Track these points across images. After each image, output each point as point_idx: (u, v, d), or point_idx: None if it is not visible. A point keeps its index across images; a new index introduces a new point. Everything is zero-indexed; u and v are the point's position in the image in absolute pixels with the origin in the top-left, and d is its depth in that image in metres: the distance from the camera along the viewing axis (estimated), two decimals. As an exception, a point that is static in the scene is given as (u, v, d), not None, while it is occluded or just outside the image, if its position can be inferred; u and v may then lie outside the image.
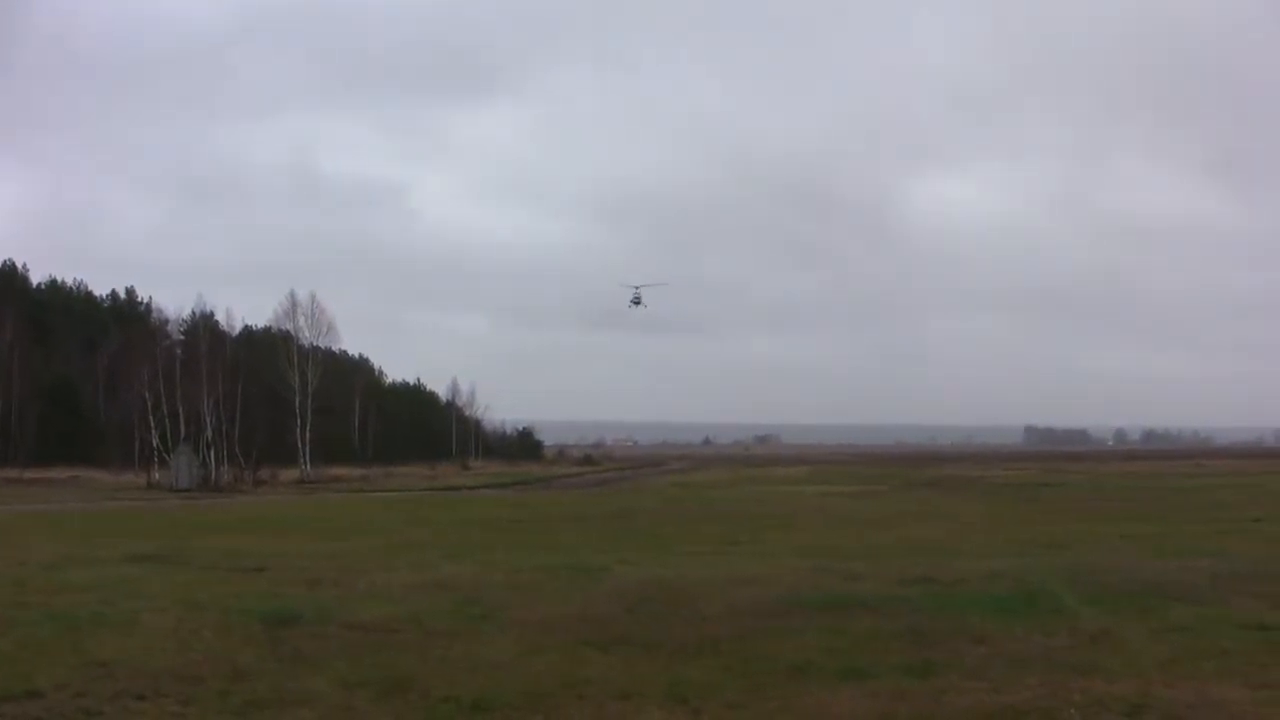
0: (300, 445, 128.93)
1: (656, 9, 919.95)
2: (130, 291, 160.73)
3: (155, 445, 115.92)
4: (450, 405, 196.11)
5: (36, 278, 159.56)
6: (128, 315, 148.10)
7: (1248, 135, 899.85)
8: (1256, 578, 26.11)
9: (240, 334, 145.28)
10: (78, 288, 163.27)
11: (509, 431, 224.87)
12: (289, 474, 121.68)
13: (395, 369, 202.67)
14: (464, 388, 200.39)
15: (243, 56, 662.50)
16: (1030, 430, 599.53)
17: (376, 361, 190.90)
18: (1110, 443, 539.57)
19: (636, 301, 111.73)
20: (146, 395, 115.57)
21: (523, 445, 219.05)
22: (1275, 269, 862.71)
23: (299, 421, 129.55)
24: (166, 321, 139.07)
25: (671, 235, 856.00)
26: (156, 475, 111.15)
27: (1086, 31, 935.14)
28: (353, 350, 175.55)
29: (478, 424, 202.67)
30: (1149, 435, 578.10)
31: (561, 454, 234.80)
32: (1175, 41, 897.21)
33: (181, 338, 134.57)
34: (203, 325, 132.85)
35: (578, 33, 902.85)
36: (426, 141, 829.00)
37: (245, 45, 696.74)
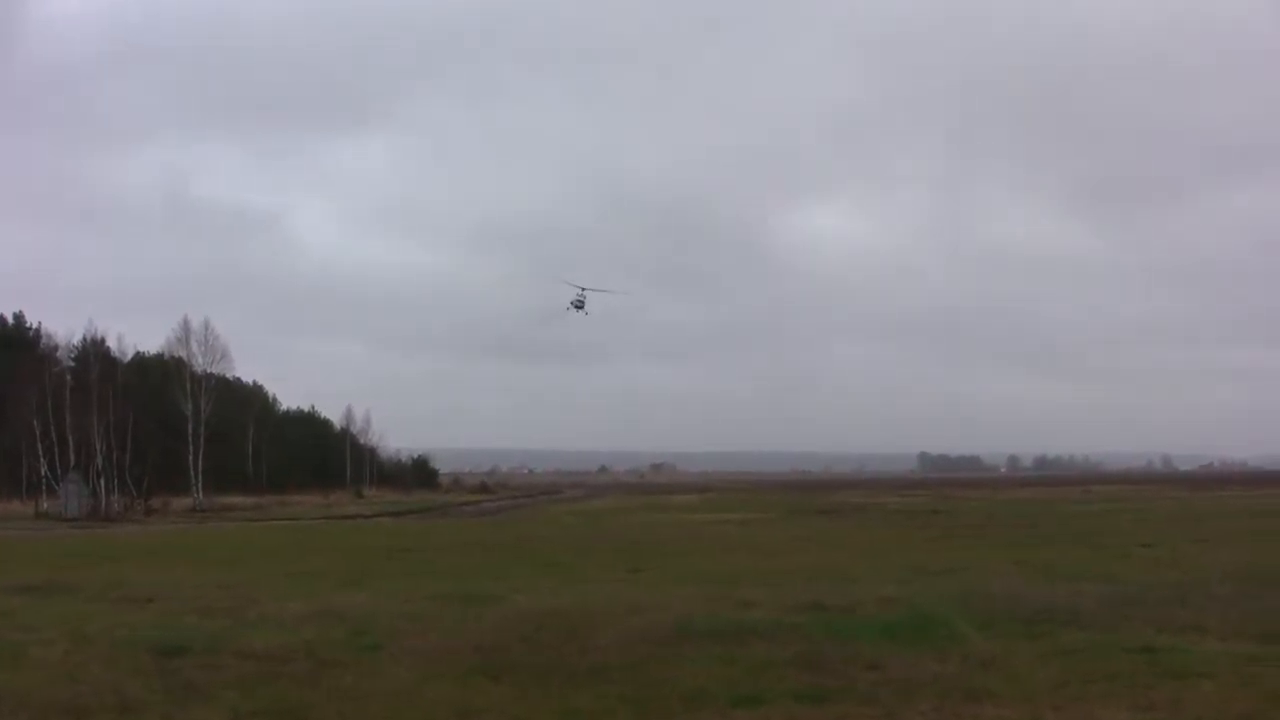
0: (193, 473, 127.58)
1: (528, 42, 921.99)
2: (19, 317, 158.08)
3: (44, 473, 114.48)
4: (345, 433, 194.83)
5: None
6: (16, 342, 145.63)
7: (1111, 166, 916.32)
8: (1144, 602, 26.46)
9: (132, 360, 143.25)
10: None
11: (404, 459, 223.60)
12: (181, 502, 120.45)
13: (289, 396, 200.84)
14: (358, 415, 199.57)
15: (115, 84, 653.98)
16: (924, 457, 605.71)
17: (270, 389, 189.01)
18: (1003, 469, 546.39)
19: (579, 305, 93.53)
20: (35, 422, 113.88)
21: (418, 473, 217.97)
22: (1145, 298, 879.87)
23: (192, 449, 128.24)
24: (56, 348, 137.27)
25: (552, 264, 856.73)
26: (45, 504, 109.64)
27: (955, 64, 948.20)
28: (246, 377, 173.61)
29: (373, 452, 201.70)
30: (1041, 461, 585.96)
31: (457, 482, 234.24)
32: (1041, 74, 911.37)
33: (72, 364, 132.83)
34: (93, 351, 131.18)
35: (450, 64, 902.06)
36: (303, 170, 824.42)
37: (117, 73, 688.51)
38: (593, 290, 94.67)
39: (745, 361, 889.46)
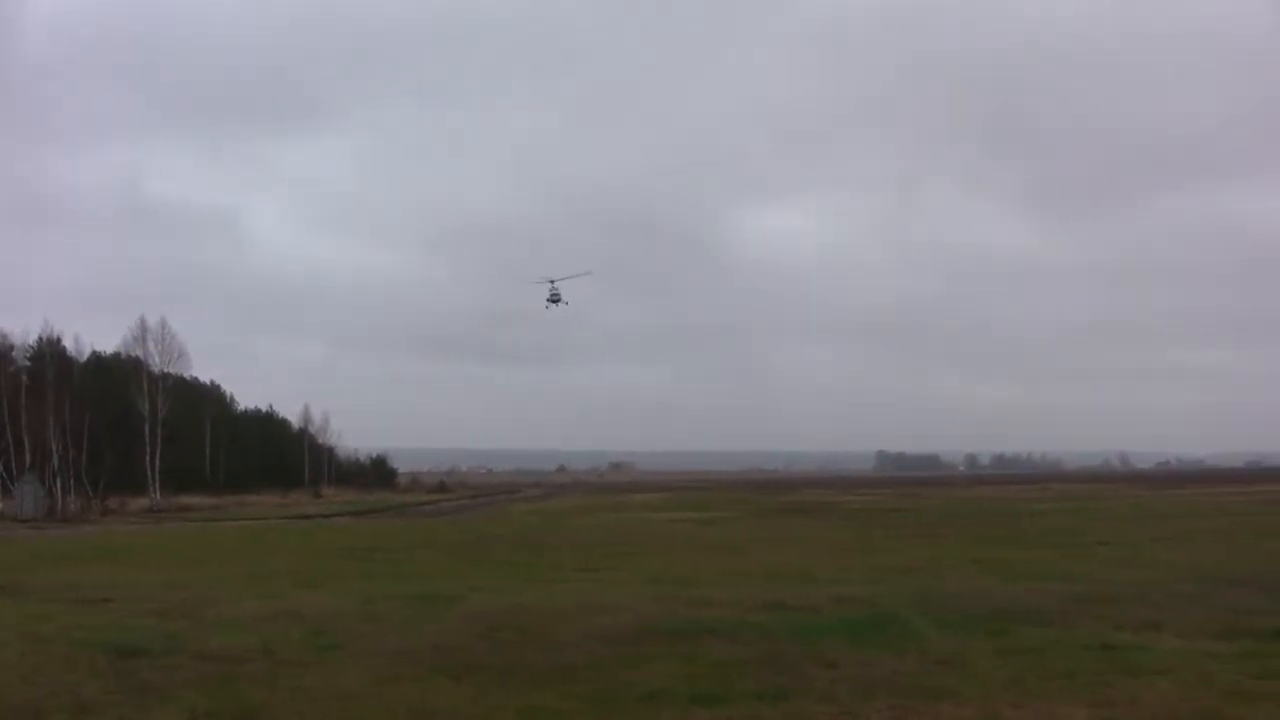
0: (150, 474, 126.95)
1: (477, 44, 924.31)
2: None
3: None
4: (303, 433, 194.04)
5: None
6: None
7: (1061, 168, 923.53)
8: (1101, 600, 26.59)
9: (89, 360, 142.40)
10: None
11: (362, 459, 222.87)
12: (138, 503, 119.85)
13: (247, 396, 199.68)
14: (316, 415, 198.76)
15: (69, 85, 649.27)
16: (882, 456, 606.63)
17: (228, 388, 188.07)
18: (961, 468, 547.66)
19: (555, 299, 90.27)
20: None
21: (376, 473, 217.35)
22: (1097, 298, 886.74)
23: (149, 449, 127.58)
24: (11, 347, 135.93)
25: (505, 265, 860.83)
26: (0, 505, 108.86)
27: (903, 66, 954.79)
28: (204, 377, 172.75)
29: (331, 451, 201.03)
30: (999, 460, 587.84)
31: (415, 481, 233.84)
32: (990, 76, 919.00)
33: (27, 364, 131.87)
34: (49, 351, 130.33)
35: (398, 66, 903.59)
36: (257, 170, 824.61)
37: (71, 74, 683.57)
38: (563, 280, 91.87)
39: (702, 361, 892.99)
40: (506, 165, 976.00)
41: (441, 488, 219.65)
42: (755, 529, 70.87)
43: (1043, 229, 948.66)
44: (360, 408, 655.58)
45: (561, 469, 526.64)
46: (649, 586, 31.95)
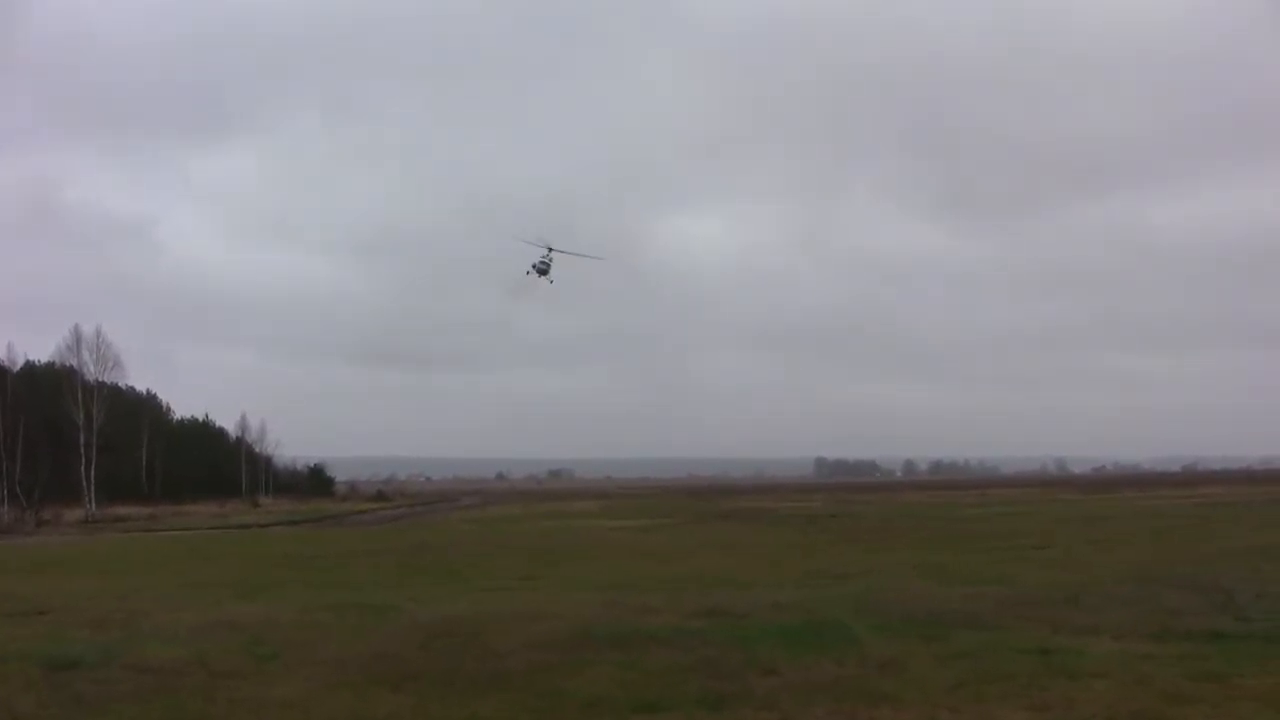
0: (85, 484, 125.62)
1: (388, 55, 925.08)
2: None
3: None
4: (240, 442, 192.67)
5: None
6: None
7: (975, 176, 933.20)
8: (1038, 603, 26.77)
9: (22, 369, 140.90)
10: None
11: (300, 468, 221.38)
12: (73, 513, 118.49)
13: (183, 405, 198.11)
14: (253, 424, 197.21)
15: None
16: (820, 462, 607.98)
17: (164, 397, 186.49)
18: (899, 474, 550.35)
19: (543, 269, 74.43)
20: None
21: (314, 482, 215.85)
22: (1019, 302, 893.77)
23: (84, 459, 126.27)
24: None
25: (429, 274, 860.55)
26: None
27: (821, 75, 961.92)
28: (139, 386, 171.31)
29: (268, 461, 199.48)
30: (936, 466, 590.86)
31: (354, 490, 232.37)
32: (907, 85, 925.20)
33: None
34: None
35: (306, 77, 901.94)
36: (174, 181, 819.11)
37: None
38: (561, 252, 75.86)
39: (636, 368, 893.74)
40: (425, 175, 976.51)
41: (380, 496, 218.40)
42: (694, 535, 70.97)
43: (961, 235, 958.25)
44: (297, 417, 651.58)
45: (500, 477, 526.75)
46: (588, 594, 31.95)
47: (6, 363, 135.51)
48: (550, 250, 73.92)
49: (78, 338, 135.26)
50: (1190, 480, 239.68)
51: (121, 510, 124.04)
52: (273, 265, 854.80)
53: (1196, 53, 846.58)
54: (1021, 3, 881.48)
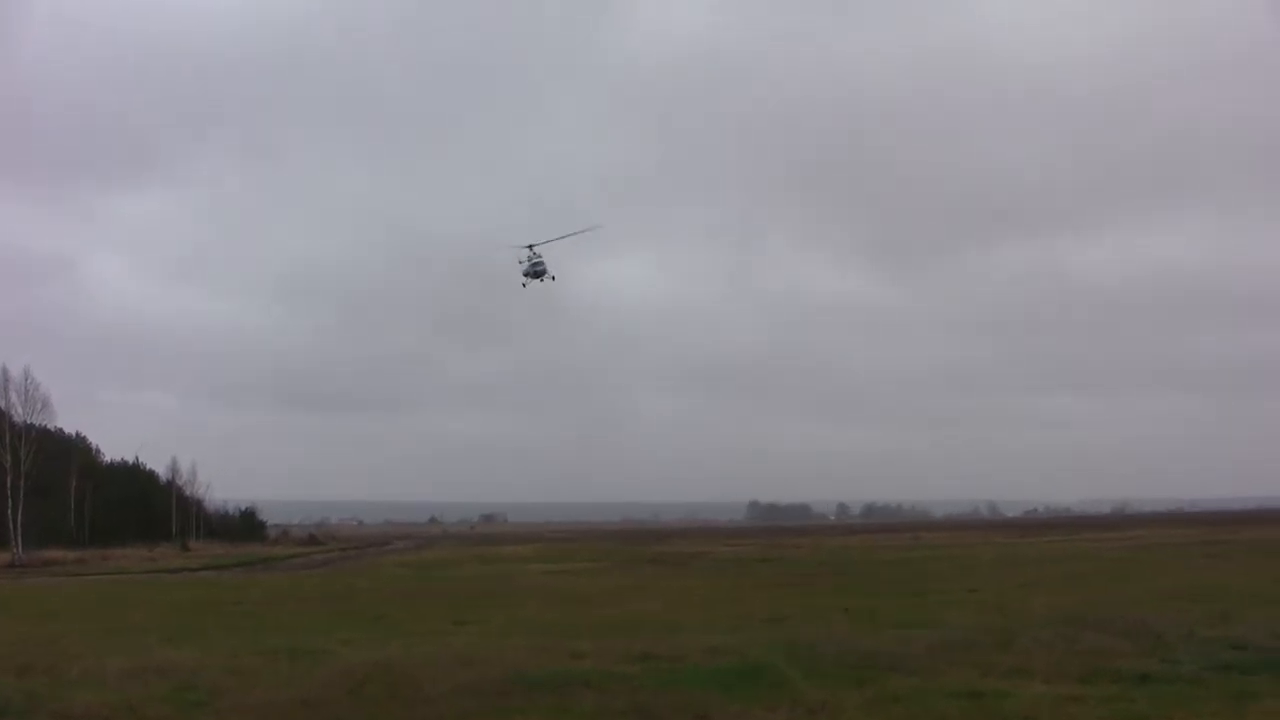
0: (12, 527, 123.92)
1: (312, 98, 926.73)
2: None
3: None
4: (170, 485, 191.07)
5: None
6: None
7: (895, 222, 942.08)
8: (969, 647, 26.82)
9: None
10: None
11: (231, 512, 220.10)
12: (0, 558, 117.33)
13: (113, 448, 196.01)
14: (184, 467, 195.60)
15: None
16: (753, 506, 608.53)
17: (94, 440, 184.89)
18: (832, 517, 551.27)
19: (538, 272, 69.03)
20: None
21: (245, 525, 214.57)
22: (944, 345, 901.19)
23: (11, 503, 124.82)
24: None
25: (354, 315, 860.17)
26: None
27: (738, 121, 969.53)
28: (68, 429, 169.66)
29: (199, 504, 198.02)
30: (869, 509, 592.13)
31: (285, 534, 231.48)
32: (823, 128, 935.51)
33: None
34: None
35: (227, 121, 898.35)
36: (97, 221, 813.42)
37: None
38: (547, 242, 69.76)
39: (570, 412, 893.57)
40: (347, 217, 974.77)
41: (311, 540, 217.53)
42: (625, 579, 70.83)
43: (884, 277, 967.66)
44: (229, 459, 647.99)
45: (433, 521, 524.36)
46: (519, 638, 31.82)
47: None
48: (532, 248, 69.14)
49: (5, 379, 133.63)
50: (1120, 523, 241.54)
51: (50, 554, 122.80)
52: (198, 307, 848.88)
53: (1111, 98, 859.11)
54: (939, 47, 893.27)
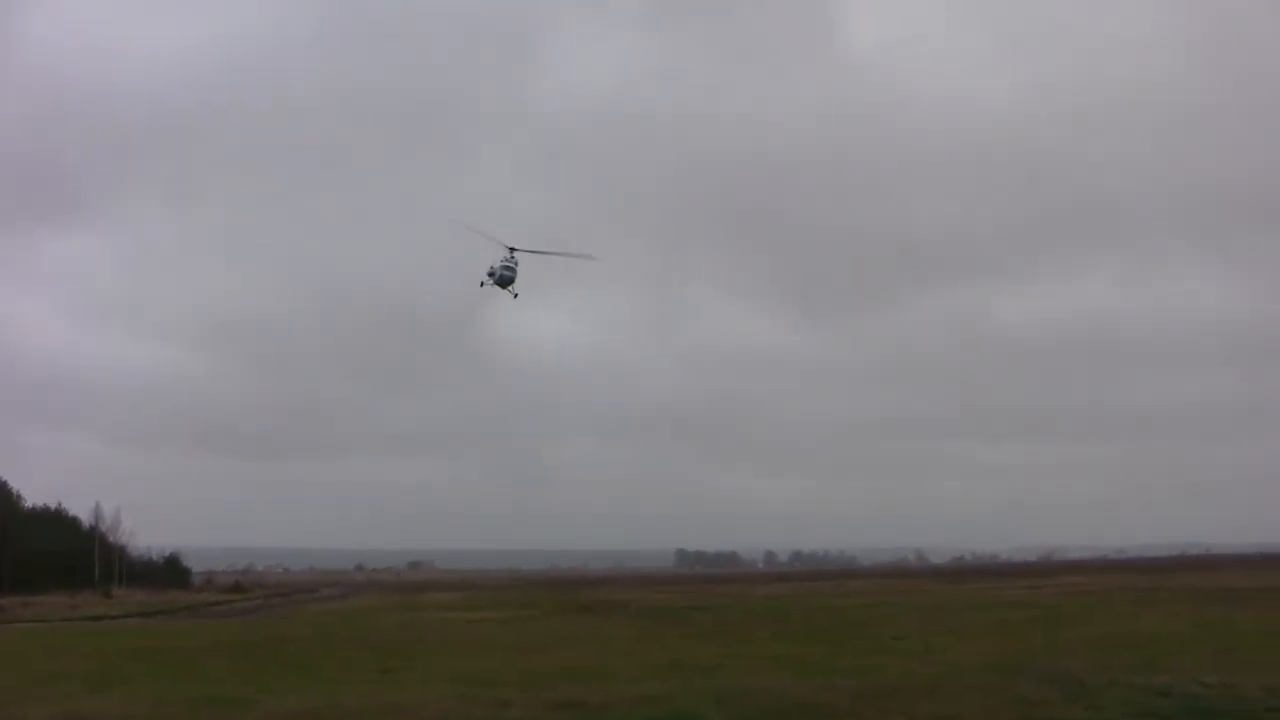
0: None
1: (226, 146, 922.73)
2: None
3: None
4: (93, 531, 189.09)
5: None
6: None
7: (815, 270, 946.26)
8: (896, 693, 26.91)
9: None
10: None
11: (155, 558, 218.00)
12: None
13: (35, 494, 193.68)
14: (108, 513, 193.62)
15: None
16: (681, 553, 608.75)
17: (15, 485, 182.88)
18: (760, 565, 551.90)
19: (505, 279, 58.39)
20: None
21: (169, 572, 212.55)
22: (870, 393, 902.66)
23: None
24: None
25: (280, 361, 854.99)
26: None
27: (660, 171, 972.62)
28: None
29: (122, 550, 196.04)
30: (797, 557, 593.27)
31: (210, 581, 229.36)
32: (747, 179, 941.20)
33: None
34: None
35: (150, 164, 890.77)
36: (14, 262, 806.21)
37: None
38: (531, 252, 59.67)
39: (496, 459, 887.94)
40: (271, 263, 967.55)
41: (237, 588, 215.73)
42: (553, 627, 70.68)
43: (807, 326, 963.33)
44: (152, 505, 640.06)
45: (359, 568, 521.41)
46: (445, 686, 31.69)
47: None
48: (513, 251, 58.63)
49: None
50: (1047, 570, 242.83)
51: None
52: (121, 350, 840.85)
53: (1032, 149, 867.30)
54: (860, 99, 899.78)
